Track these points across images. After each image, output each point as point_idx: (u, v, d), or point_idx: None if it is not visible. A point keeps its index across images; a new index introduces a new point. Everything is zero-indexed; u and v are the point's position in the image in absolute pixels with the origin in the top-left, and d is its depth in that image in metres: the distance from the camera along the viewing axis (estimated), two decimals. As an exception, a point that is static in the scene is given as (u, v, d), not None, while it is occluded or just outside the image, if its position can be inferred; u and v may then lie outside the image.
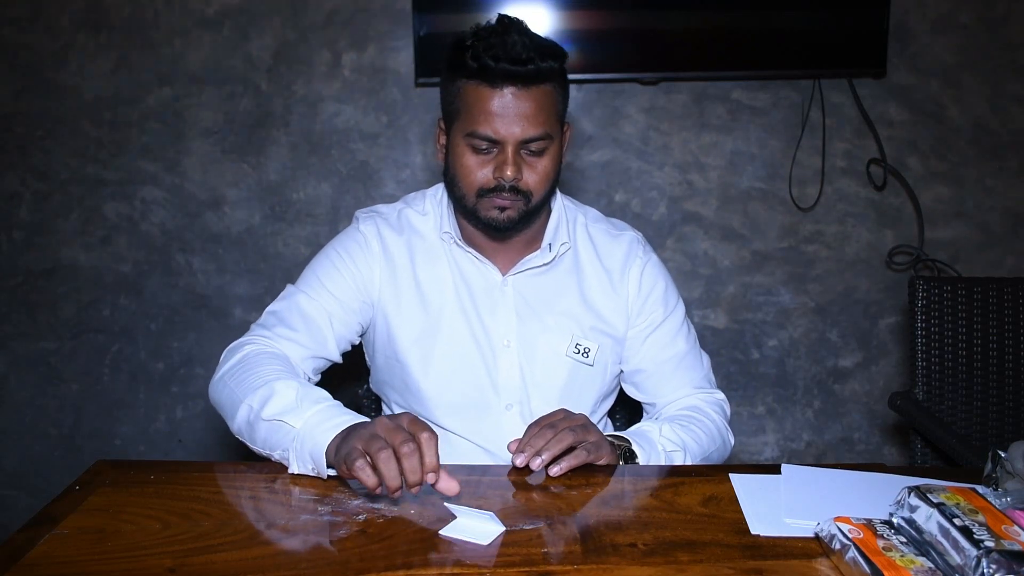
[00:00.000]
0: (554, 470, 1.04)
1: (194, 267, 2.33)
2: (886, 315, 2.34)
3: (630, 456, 1.15)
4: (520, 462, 1.04)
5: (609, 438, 1.16)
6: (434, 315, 1.28)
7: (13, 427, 2.40)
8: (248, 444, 1.12)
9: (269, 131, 2.27)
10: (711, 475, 1.06)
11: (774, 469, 1.07)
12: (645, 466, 1.16)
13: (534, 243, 1.30)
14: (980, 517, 0.80)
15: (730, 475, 1.05)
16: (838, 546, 0.83)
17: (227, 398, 1.15)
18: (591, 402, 1.33)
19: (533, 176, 1.19)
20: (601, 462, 1.09)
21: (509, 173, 1.16)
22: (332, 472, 1.00)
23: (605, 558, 0.85)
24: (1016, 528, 0.79)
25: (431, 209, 1.34)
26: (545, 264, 1.30)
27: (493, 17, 1.22)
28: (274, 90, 2.25)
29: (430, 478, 0.90)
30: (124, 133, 2.28)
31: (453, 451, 1.29)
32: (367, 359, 1.40)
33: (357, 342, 1.34)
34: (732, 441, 1.33)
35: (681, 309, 1.37)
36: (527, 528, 0.92)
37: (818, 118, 2.24)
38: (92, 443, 2.40)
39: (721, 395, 1.35)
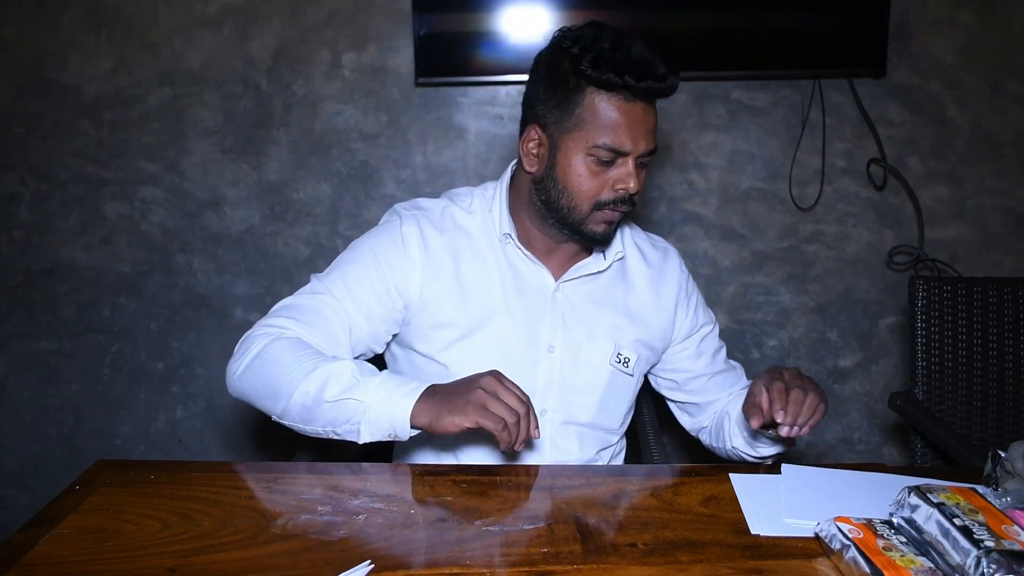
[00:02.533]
0: (804, 431, 1.08)
1: (194, 267, 2.33)
2: (886, 315, 2.34)
3: None
4: (787, 433, 1.07)
5: None
6: (477, 315, 1.26)
7: (13, 427, 2.40)
8: (298, 426, 1.14)
9: (269, 131, 2.27)
10: (711, 475, 1.06)
11: (774, 469, 1.07)
12: (644, 466, 1.16)
13: (586, 249, 1.31)
14: (980, 517, 0.80)
15: (730, 475, 1.05)
16: (838, 546, 0.83)
17: (265, 386, 1.14)
18: (623, 411, 1.36)
19: (641, 186, 1.22)
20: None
21: (634, 185, 1.18)
22: (414, 432, 1.07)
23: (605, 558, 0.85)
24: (1016, 528, 0.79)
25: (479, 208, 1.31)
26: (599, 271, 1.31)
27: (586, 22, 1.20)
28: (274, 90, 2.25)
29: (535, 433, 1.04)
30: (124, 133, 2.28)
31: (478, 450, 1.28)
32: (393, 353, 1.35)
33: (380, 351, 1.31)
34: None
35: (714, 319, 1.44)
36: (527, 528, 0.92)
37: (818, 118, 2.24)
38: (92, 443, 2.40)
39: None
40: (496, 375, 1.06)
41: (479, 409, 1.02)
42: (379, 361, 1.36)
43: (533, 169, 1.24)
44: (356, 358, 1.25)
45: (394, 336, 1.31)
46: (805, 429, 1.06)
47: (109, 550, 0.87)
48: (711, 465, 1.11)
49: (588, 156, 1.17)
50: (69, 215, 2.31)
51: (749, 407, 1.11)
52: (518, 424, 1.03)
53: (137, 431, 2.40)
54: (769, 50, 2.16)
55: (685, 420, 1.47)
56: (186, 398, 2.39)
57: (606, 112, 1.15)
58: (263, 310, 2.48)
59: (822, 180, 2.27)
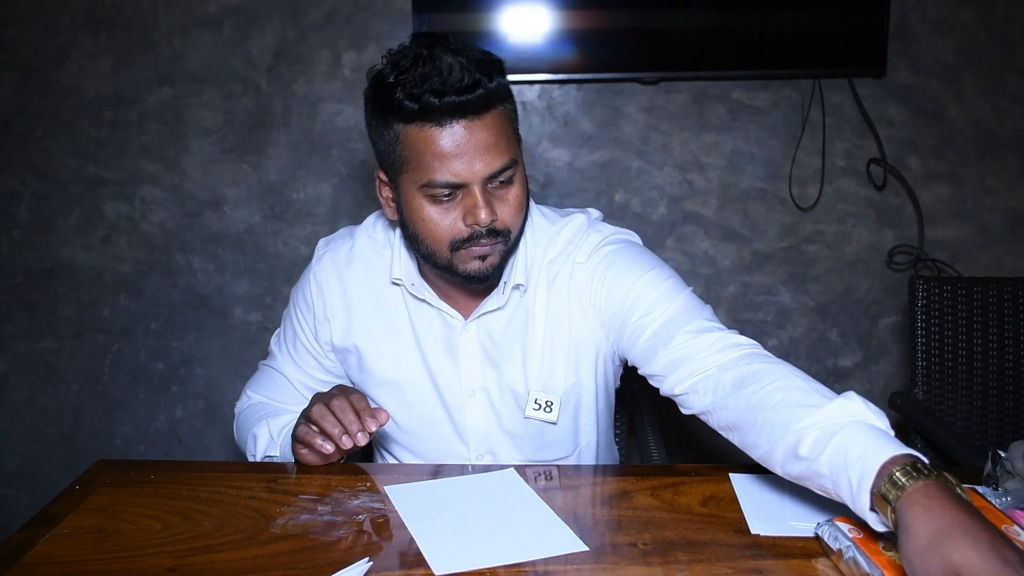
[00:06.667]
0: None
1: (194, 267, 2.33)
2: (886, 315, 2.34)
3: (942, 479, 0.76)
4: (372, 427, 1.03)
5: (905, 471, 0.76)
6: (392, 363, 1.20)
7: (13, 427, 2.40)
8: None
9: (269, 131, 2.27)
10: (711, 475, 1.06)
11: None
12: (644, 466, 1.16)
13: (496, 281, 1.16)
14: (980, 517, 0.79)
15: (730, 475, 1.05)
16: (838, 546, 0.83)
17: (244, 454, 1.28)
18: (568, 443, 1.23)
19: (507, 210, 1.05)
20: None
21: (483, 216, 1.01)
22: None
23: (605, 558, 0.85)
24: (1016, 528, 0.79)
25: (386, 240, 1.22)
26: (499, 308, 1.17)
27: (409, 36, 1.06)
28: (274, 90, 2.25)
29: (370, 424, 1.02)
30: (124, 133, 2.28)
31: (454, 453, 1.26)
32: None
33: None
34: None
35: (660, 270, 1.15)
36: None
37: (818, 118, 2.24)
38: (92, 443, 2.40)
39: (745, 340, 1.06)
40: (325, 399, 1.06)
41: (299, 451, 1.09)
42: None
43: (392, 217, 1.12)
44: None
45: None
46: None
47: (109, 550, 0.87)
48: (711, 465, 1.11)
49: (424, 197, 1.02)
50: (69, 215, 2.31)
51: None
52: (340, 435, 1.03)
53: (137, 431, 2.40)
54: (769, 50, 2.16)
55: (661, 385, 1.11)
56: (186, 398, 2.38)
57: (422, 145, 0.99)
58: (263, 310, 2.48)
59: (822, 180, 2.27)
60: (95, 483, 1.03)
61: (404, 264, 1.18)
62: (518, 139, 1.08)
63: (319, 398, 1.07)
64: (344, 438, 1.01)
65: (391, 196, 1.10)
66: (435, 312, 1.18)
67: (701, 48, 2.16)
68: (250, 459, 1.24)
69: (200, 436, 2.40)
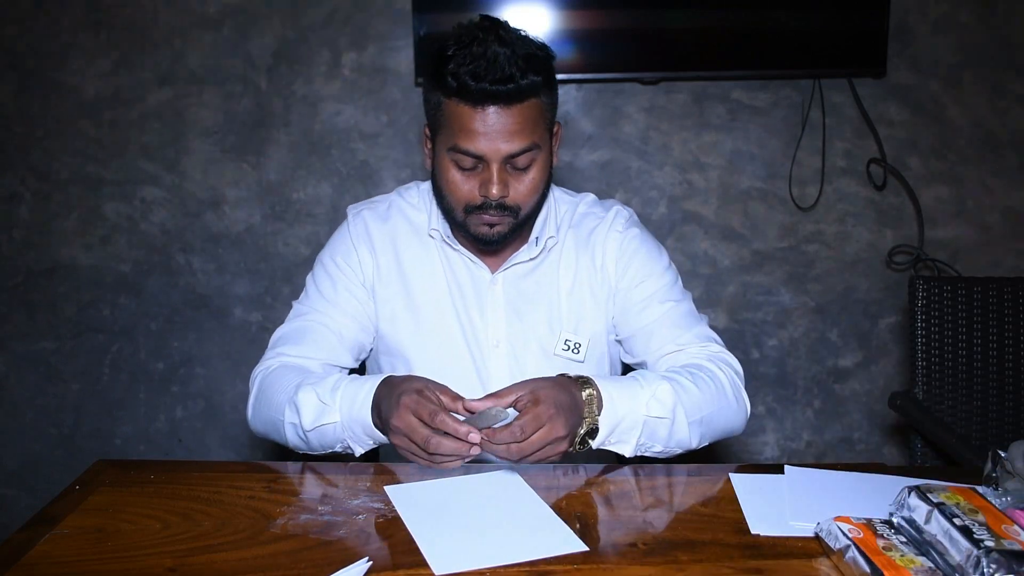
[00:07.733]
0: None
1: (194, 267, 2.33)
2: (886, 315, 2.34)
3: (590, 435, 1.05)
4: (475, 439, 0.95)
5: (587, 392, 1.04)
6: (426, 312, 1.27)
7: (13, 427, 2.40)
8: (308, 452, 1.17)
9: (269, 131, 2.27)
10: (711, 475, 1.06)
11: (774, 469, 1.07)
12: (644, 466, 1.15)
13: (524, 238, 1.28)
14: (980, 517, 0.80)
15: (730, 475, 1.05)
16: (838, 546, 0.83)
17: (268, 423, 1.19)
18: None
19: (521, 189, 1.16)
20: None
21: (495, 191, 1.14)
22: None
23: (605, 558, 0.85)
24: (1016, 528, 0.79)
25: (421, 203, 1.32)
26: (532, 259, 1.28)
27: (477, 16, 1.16)
28: (274, 90, 2.25)
29: (474, 450, 0.96)
30: (124, 133, 2.28)
31: None
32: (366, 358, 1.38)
33: (371, 347, 1.32)
34: (748, 406, 1.21)
35: (670, 274, 1.31)
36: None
37: (818, 118, 2.24)
38: (92, 443, 2.40)
39: (729, 355, 1.24)
40: (412, 394, 0.98)
41: (398, 436, 0.99)
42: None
43: (428, 167, 1.24)
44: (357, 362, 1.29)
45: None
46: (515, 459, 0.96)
47: (109, 550, 0.87)
48: (711, 465, 1.11)
49: (451, 159, 1.15)
50: (69, 215, 2.31)
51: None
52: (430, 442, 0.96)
53: (137, 431, 2.40)
54: (769, 50, 2.16)
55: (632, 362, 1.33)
56: (186, 398, 2.38)
57: (456, 117, 1.12)
58: (263, 310, 2.48)
59: (822, 180, 2.27)
60: (95, 483, 1.03)
61: (440, 220, 1.27)
62: (550, 129, 1.20)
63: (406, 428, 0.98)
64: (470, 450, 0.96)
65: (430, 149, 1.22)
66: (466, 264, 1.28)
67: (701, 48, 2.16)
68: (289, 430, 1.14)
69: (200, 436, 2.40)
